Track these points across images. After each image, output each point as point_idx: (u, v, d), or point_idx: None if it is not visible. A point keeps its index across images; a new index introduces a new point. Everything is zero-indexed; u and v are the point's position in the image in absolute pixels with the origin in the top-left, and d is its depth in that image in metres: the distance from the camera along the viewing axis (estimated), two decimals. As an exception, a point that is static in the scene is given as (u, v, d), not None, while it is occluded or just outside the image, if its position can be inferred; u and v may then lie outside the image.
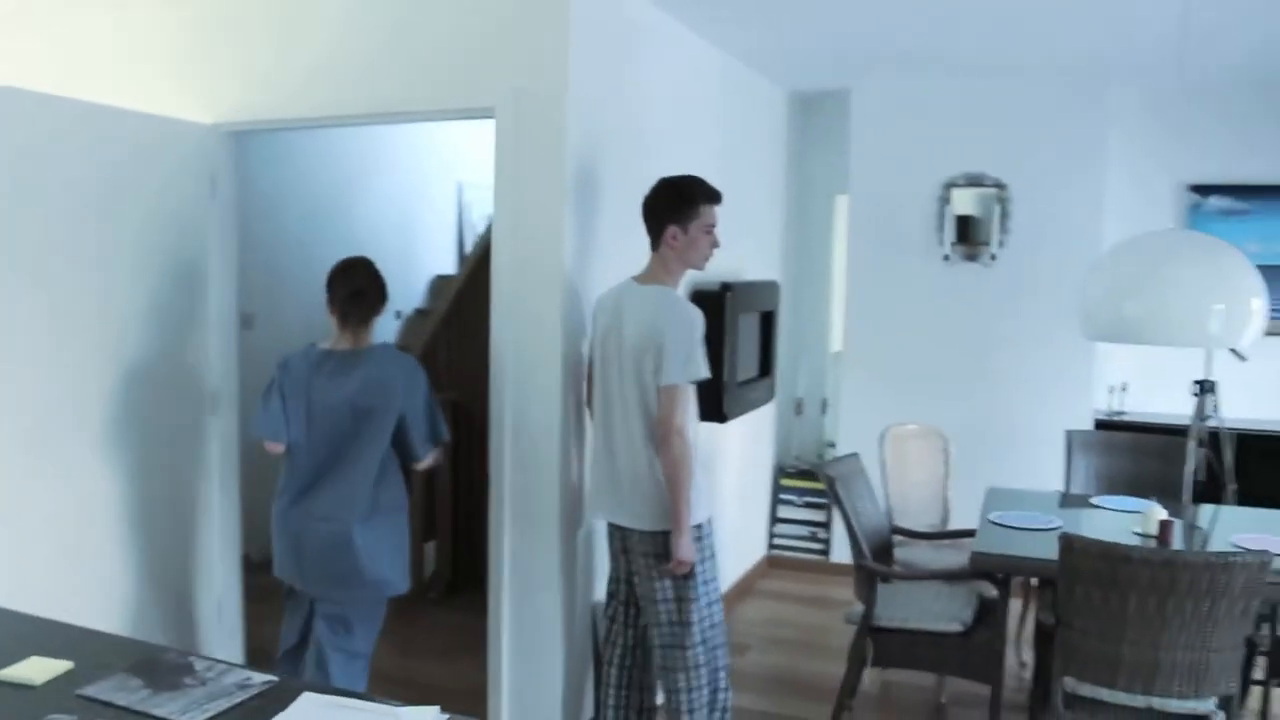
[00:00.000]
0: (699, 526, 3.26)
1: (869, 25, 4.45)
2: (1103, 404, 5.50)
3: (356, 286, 3.37)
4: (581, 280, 3.63)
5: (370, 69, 3.75)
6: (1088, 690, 3.18)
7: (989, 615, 3.73)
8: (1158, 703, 3.11)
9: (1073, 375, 5.32)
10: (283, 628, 3.56)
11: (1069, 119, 5.25)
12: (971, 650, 3.62)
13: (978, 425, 5.33)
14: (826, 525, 5.90)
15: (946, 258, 5.41)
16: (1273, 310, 5.28)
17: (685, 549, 3.17)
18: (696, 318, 3.18)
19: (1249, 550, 3.18)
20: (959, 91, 5.38)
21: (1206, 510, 4.25)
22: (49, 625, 2.14)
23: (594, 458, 3.46)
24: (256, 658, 4.14)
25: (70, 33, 4.19)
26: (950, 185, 5.42)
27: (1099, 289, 3.67)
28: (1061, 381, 5.34)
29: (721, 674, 3.39)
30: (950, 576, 3.89)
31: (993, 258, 5.34)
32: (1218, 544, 3.66)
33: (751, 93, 5.39)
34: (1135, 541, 3.68)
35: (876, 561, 3.86)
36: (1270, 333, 5.23)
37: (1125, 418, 5.42)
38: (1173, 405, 5.47)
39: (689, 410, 3.21)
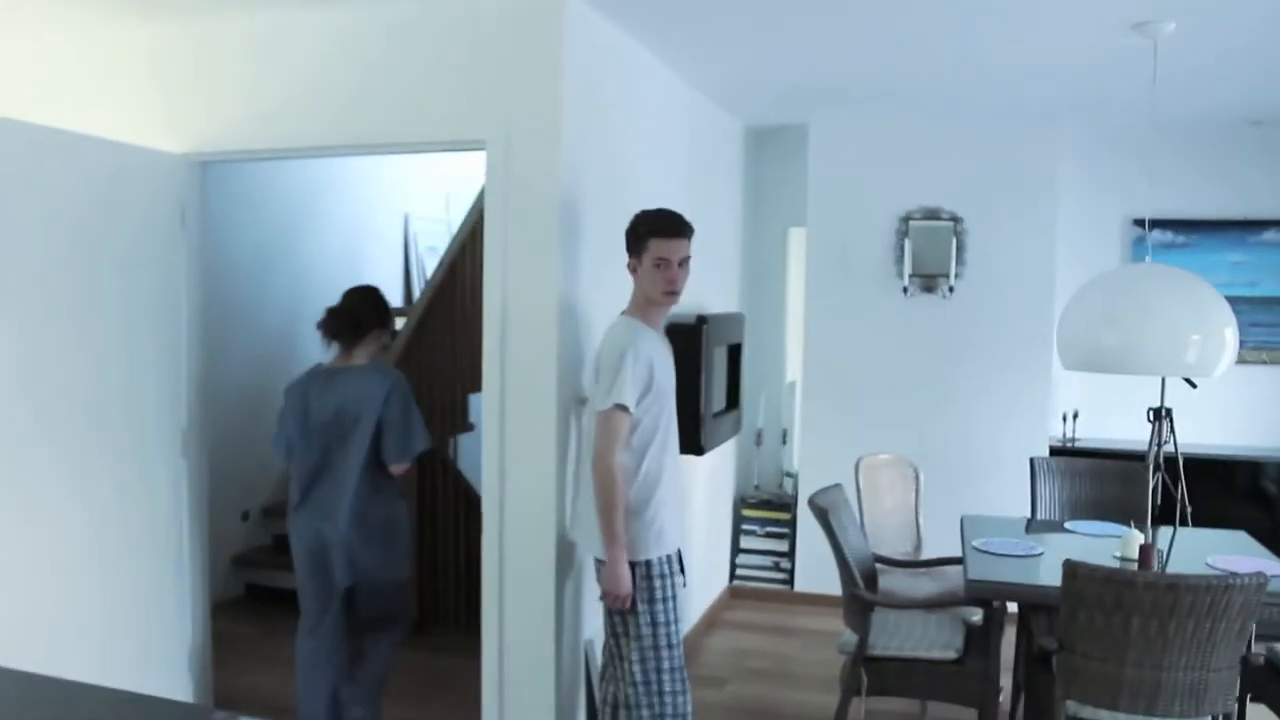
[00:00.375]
0: (649, 563, 3.22)
1: (827, 61, 4.53)
2: (1056, 431, 5.66)
3: (341, 309, 3.73)
4: (572, 314, 3.60)
5: (354, 99, 3.68)
6: (1088, 713, 3.25)
7: (977, 642, 3.79)
8: (1155, 723, 3.20)
9: (1029, 403, 5.47)
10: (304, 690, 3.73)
11: (1022, 154, 5.42)
12: (965, 677, 3.66)
13: (938, 453, 5.43)
14: (789, 554, 5.93)
15: (906, 290, 5.52)
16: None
17: (610, 580, 3.18)
18: (627, 345, 3.16)
19: (1242, 572, 3.29)
20: (915, 126, 5.52)
21: (1164, 533, 4.39)
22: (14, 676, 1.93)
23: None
24: (229, 706, 3.99)
25: (32, 56, 4.02)
26: (907, 218, 5.54)
27: (1078, 321, 3.78)
28: (1019, 410, 5.48)
29: None
30: (945, 604, 3.93)
31: (951, 290, 5.47)
32: (1190, 566, 3.77)
33: (714, 126, 5.44)
34: (1115, 565, 3.80)
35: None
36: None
37: (1078, 444, 5.58)
38: (1122, 431, 5.66)
39: (621, 437, 3.15)
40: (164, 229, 3.82)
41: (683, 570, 3.39)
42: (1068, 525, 4.35)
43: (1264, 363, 5.52)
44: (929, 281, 5.53)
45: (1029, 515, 4.71)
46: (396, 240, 6.94)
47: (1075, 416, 5.65)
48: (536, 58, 3.47)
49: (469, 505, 5.44)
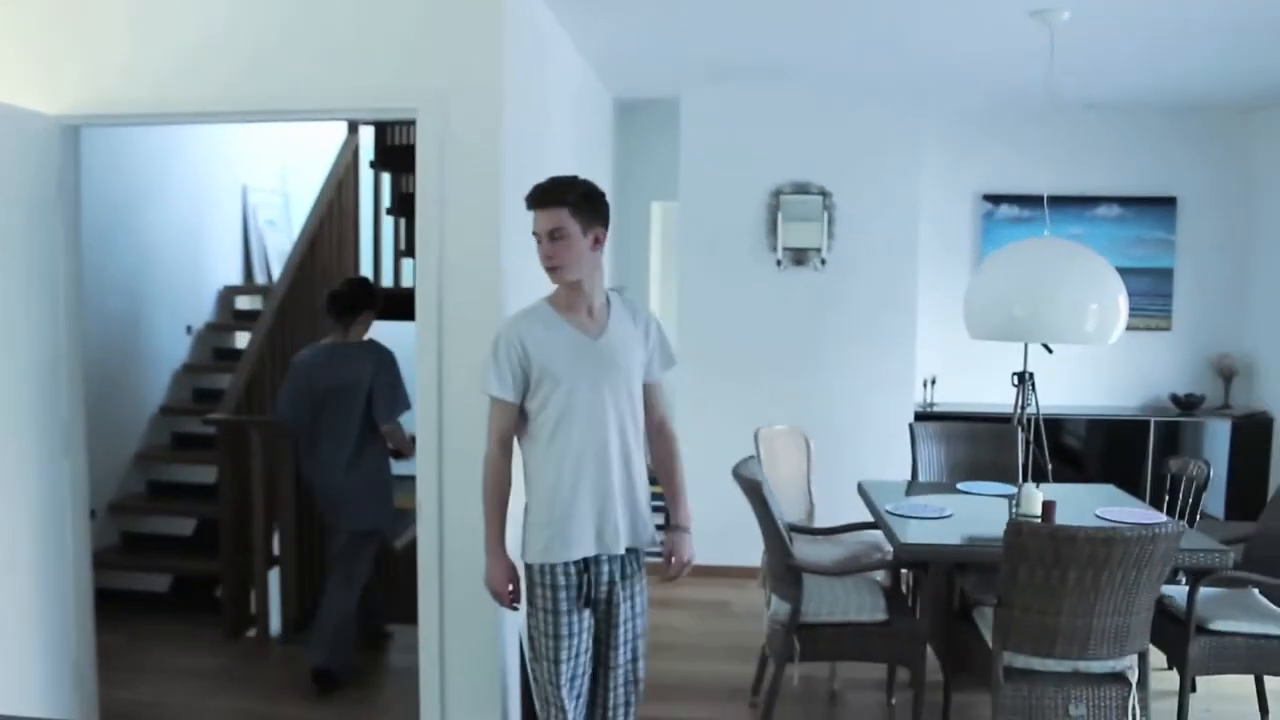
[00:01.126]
0: (528, 567, 2.96)
1: (712, 33, 4.58)
2: (918, 396, 5.96)
3: (334, 293, 4.47)
4: (517, 296, 3.47)
5: (262, 59, 3.38)
6: (1021, 661, 3.46)
7: (895, 603, 3.95)
8: (1082, 665, 3.45)
9: (896, 370, 5.72)
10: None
11: (888, 130, 5.64)
12: (894, 637, 3.81)
13: (812, 421, 5.57)
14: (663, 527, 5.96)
15: (779, 263, 5.65)
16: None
17: (487, 571, 2.97)
18: (499, 332, 2.93)
19: (1145, 522, 3.58)
20: (785, 102, 5.63)
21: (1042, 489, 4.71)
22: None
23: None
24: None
25: None
26: (778, 192, 5.66)
27: (987, 292, 3.99)
28: (886, 377, 5.72)
29: None
30: (875, 567, 4.06)
31: (823, 262, 5.64)
32: (1079, 519, 4.04)
33: (593, 96, 5.37)
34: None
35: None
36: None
37: (937, 408, 5.90)
38: (976, 395, 6.04)
39: (495, 429, 2.92)
40: (36, 200, 3.39)
41: (597, 584, 2.97)
42: (959, 486, 4.58)
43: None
44: (800, 255, 5.68)
45: (909, 478, 4.94)
46: (235, 214, 6.47)
47: (933, 382, 5.96)
48: (476, 15, 3.28)
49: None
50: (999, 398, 5.95)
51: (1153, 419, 5.86)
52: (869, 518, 4.34)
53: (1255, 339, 6.06)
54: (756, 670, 4.33)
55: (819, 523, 4.82)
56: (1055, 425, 5.77)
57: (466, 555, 3.37)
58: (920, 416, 5.77)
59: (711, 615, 5.37)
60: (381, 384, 4.28)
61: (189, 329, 5.91)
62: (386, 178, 5.94)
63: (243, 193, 6.52)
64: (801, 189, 5.66)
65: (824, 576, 4.14)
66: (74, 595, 3.59)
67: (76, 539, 3.59)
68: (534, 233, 2.89)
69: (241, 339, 6.42)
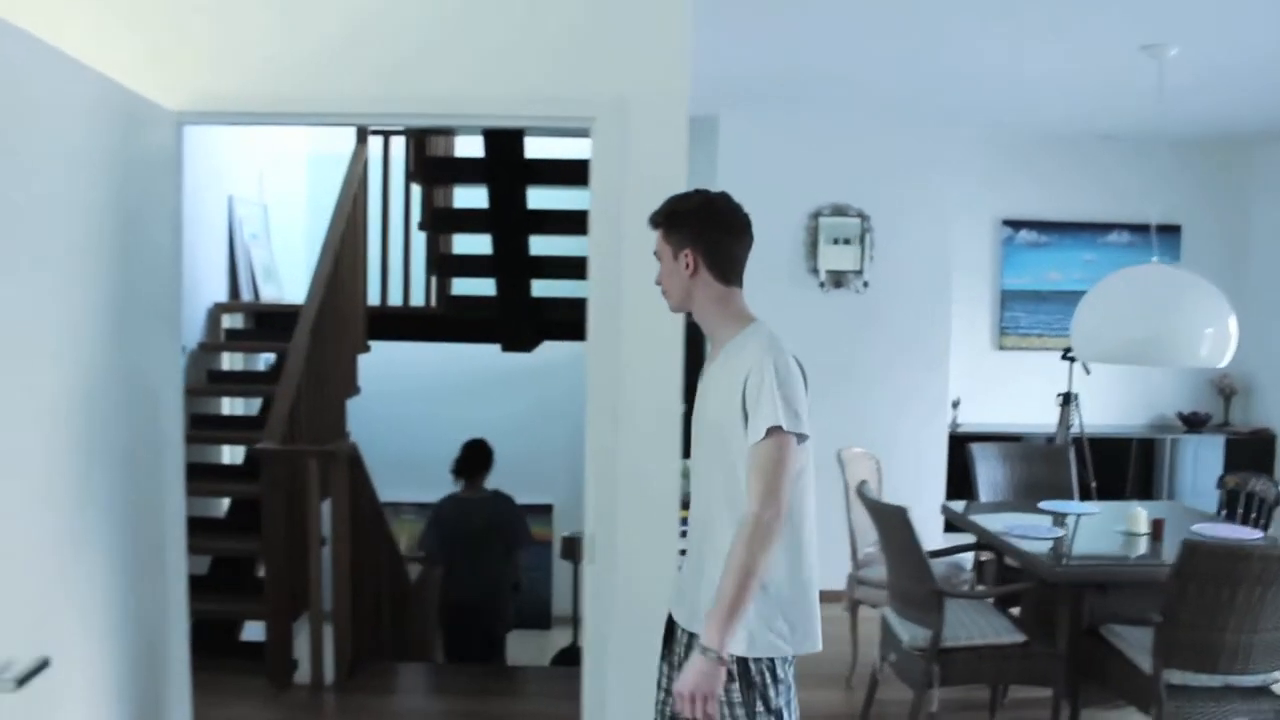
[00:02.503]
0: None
1: (740, 55, 4.55)
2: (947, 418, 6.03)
3: (463, 457, 5.41)
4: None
5: (416, 59, 3.09)
6: (1178, 678, 3.50)
7: (1023, 624, 3.95)
8: (1233, 680, 3.52)
9: (930, 394, 5.78)
10: None
11: (922, 156, 5.72)
12: (1033, 658, 3.80)
13: (847, 443, 5.58)
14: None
15: (822, 285, 5.62)
16: (1063, 330, 6.15)
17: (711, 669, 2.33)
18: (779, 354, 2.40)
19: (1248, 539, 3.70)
20: (821, 124, 5.63)
21: (1100, 506, 4.81)
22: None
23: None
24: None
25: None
26: (817, 214, 5.64)
27: (1100, 316, 4.06)
28: (921, 399, 5.77)
29: None
30: (1022, 590, 4.02)
31: (865, 285, 5.64)
32: (1176, 537, 4.15)
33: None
34: (1122, 539, 4.13)
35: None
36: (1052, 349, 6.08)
37: (962, 429, 5.98)
38: (1001, 416, 6.16)
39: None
40: (156, 206, 3.01)
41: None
42: (1041, 506, 4.63)
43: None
44: (840, 277, 5.67)
45: (960, 499, 4.95)
46: (221, 226, 5.99)
47: (958, 404, 6.04)
48: (658, 8, 3.08)
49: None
50: (1023, 418, 6.10)
51: (1169, 437, 6.11)
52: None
53: (1251, 359, 6.39)
54: (866, 696, 4.25)
55: (864, 546, 4.77)
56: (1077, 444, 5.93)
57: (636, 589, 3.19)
58: (951, 438, 5.84)
59: (766, 642, 5.26)
60: (518, 523, 5.53)
61: (184, 349, 5.43)
62: (414, 190, 5.63)
63: (229, 204, 6.06)
64: (840, 211, 5.66)
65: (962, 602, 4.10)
66: (176, 630, 3.18)
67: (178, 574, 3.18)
68: None
69: (231, 360, 5.97)
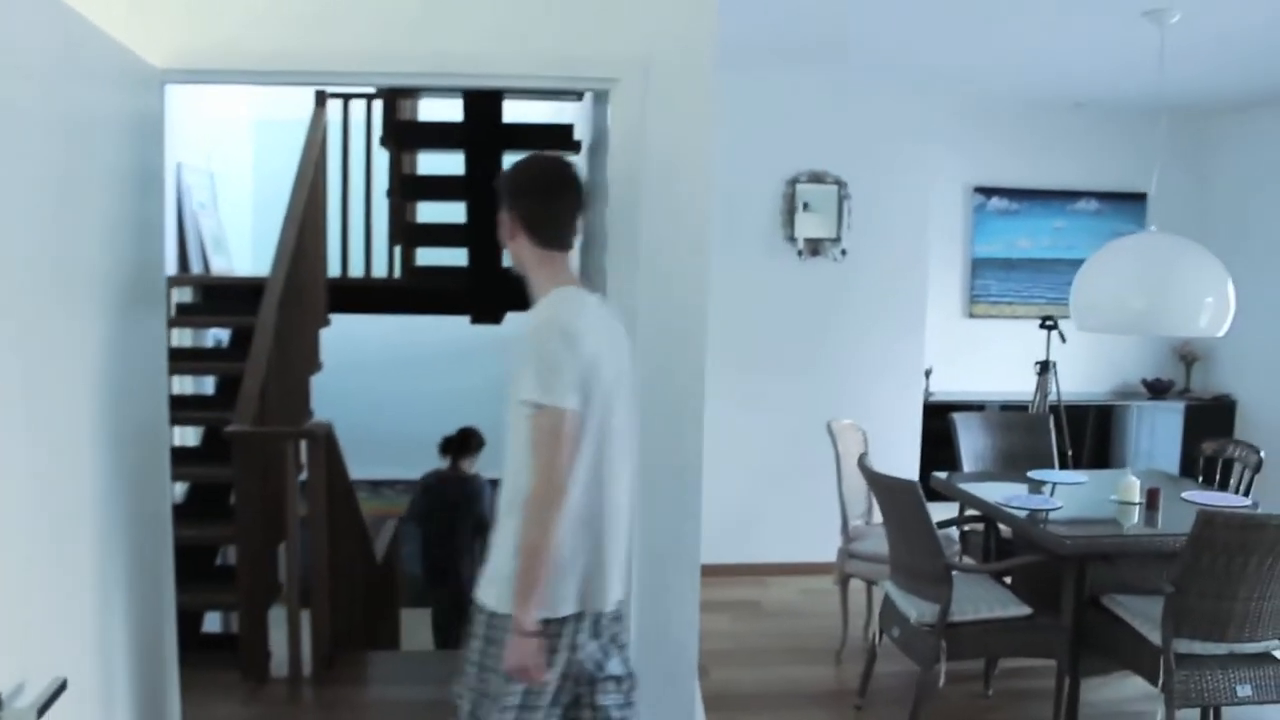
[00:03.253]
0: None
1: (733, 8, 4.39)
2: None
3: (450, 438, 5.88)
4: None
5: (424, 15, 2.90)
6: (1184, 646, 3.51)
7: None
8: (1237, 648, 3.54)
9: (905, 362, 5.74)
10: None
11: (898, 121, 5.64)
12: (1039, 630, 3.79)
13: (822, 412, 5.52)
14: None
15: (800, 254, 5.53)
16: (1033, 297, 6.18)
17: None
18: None
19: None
20: (798, 90, 5.51)
21: (1081, 475, 4.83)
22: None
23: (580, 530, 2.33)
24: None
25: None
26: (794, 181, 5.53)
27: (1100, 286, 4.03)
28: (896, 368, 5.74)
29: None
30: (1032, 563, 3.98)
31: (843, 253, 5.56)
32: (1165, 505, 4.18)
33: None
34: (1115, 508, 4.14)
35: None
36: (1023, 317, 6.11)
37: (934, 398, 5.97)
38: (972, 384, 6.16)
39: None
40: (140, 170, 2.77)
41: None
42: (1030, 475, 4.62)
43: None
44: (817, 245, 5.58)
45: (943, 468, 4.93)
46: (169, 194, 5.64)
47: (929, 373, 6.03)
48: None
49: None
50: (993, 385, 6.12)
51: (1134, 404, 6.19)
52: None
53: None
54: (864, 672, 4.20)
55: (853, 518, 4.73)
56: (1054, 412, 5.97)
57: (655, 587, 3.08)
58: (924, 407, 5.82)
59: (748, 616, 5.20)
60: (489, 507, 5.42)
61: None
62: (374, 157, 5.38)
63: (177, 171, 5.72)
64: (817, 178, 5.56)
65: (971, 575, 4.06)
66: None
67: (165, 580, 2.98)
68: None
69: (180, 336, 5.66)
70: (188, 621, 4.79)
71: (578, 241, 2.55)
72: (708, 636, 4.83)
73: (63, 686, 1.76)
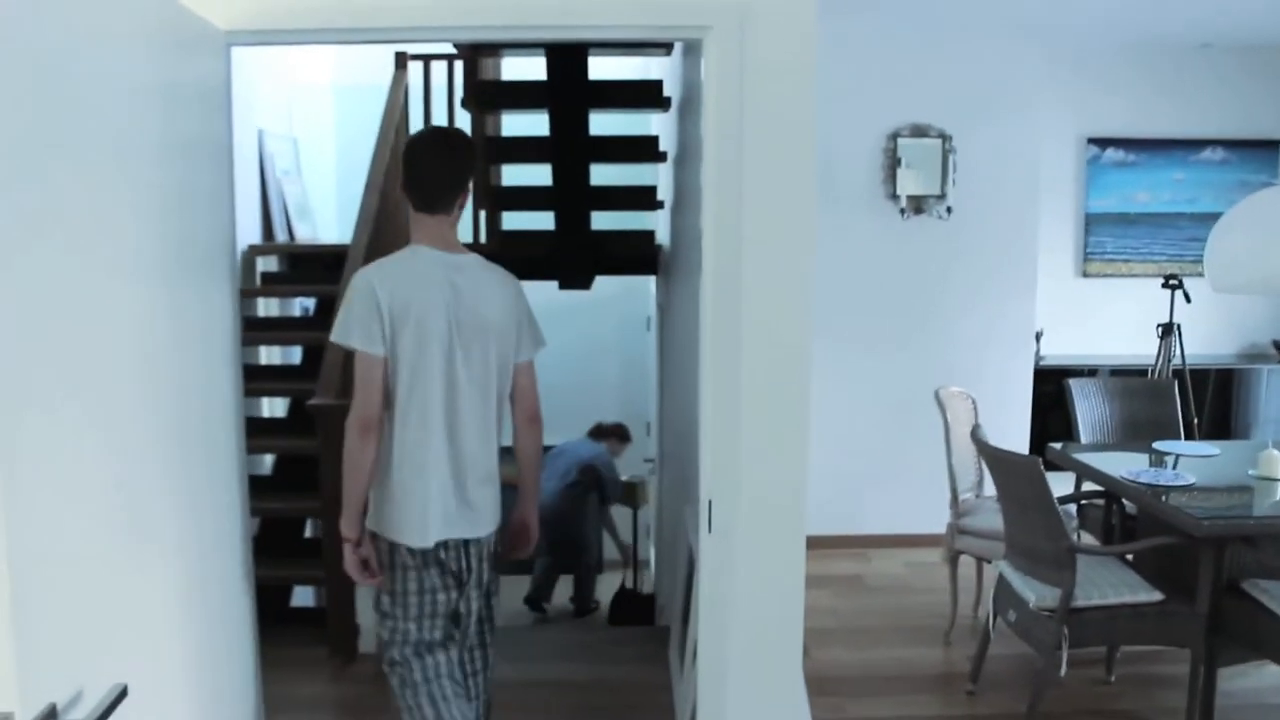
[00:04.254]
0: None
1: None
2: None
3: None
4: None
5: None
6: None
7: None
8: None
9: (1015, 325, 5.42)
10: None
11: (1003, 71, 5.28)
12: (1171, 617, 3.50)
13: (930, 379, 5.25)
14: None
15: (903, 212, 5.23)
16: (1152, 255, 5.79)
17: (526, 533, 2.91)
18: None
19: None
20: (899, 39, 5.19)
21: (1218, 446, 4.49)
22: None
23: (425, 469, 2.61)
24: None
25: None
26: (895, 135, 5.23)
27: (1240, 243, 3.68)
28: (1005, 332, 5.42)
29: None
30: (1164, 544, 3.69)
31: (949, 210, 5.25)
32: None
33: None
34: (1253, 483, 3.81)
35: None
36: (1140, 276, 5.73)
37: (1045, 363, 5.64)
38: (1086, 348, 5.82)
39: None
40: (207, 141, 2.62)
41: None
42: (1156, 447, 4.30)
43: (1201, 275, 5.83)
44: (920, 202, 5.28)
45: (1057, 439, 4.64)
46: (252, 162, 5.59)
47: (1040, 336, 5.69)
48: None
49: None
50: (1109, 349, 5.77)
51: (1264, 368, 5.77)
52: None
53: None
54: (977, 654, 3.96)
55: (963, 491, 4.46)
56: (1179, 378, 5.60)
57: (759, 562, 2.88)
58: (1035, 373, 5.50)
59: (851, 591, 4.98)
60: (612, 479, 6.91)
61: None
62: (457, 119, 5.22)
63: (259, 138, 5.65)
64: (920, 131, 5.24)
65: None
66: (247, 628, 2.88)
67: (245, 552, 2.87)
68: None
69: (266, 306, 5.62)
70: (276, 595, 4.81)
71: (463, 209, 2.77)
72: (809, 613, 4.60)
73: (123, 693, 1.64)
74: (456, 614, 2.76)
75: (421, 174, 2.68)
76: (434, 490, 2.62)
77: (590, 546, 7.00)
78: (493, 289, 2.75)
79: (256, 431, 5.01)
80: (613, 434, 7.10)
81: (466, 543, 2.70)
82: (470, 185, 2.77)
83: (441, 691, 2.72)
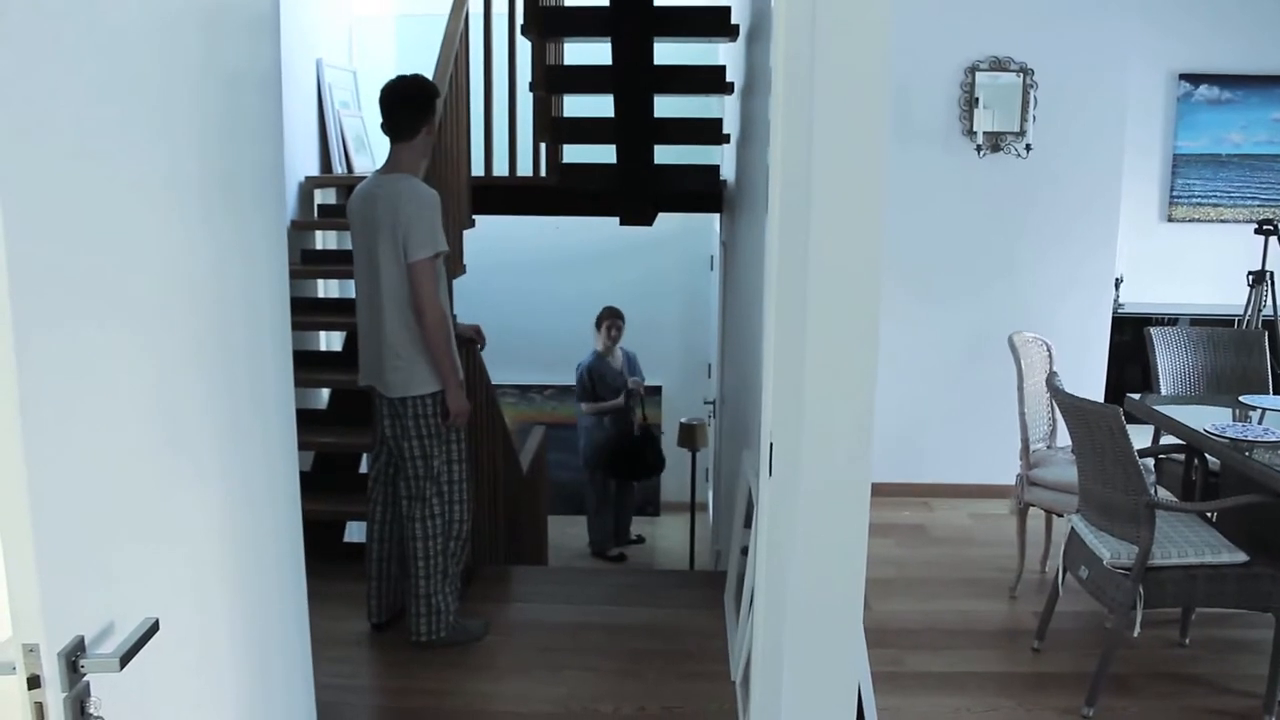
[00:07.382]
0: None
1: None
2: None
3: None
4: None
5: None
6: None
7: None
8: None
9: (1095, 271, 5.19)
10: None
11: (1094, 1, 4.98)
12: (1253, 580, 3.33)
13: (1005, 325, 5.06)
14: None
15: (979, 149, 5.00)
16: (1245, 199, 5.49)
17: (459, 403, 3.56)
18: (435, 198, 3.48)
19: None
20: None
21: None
22: None
23: (364, 339, 3.63)
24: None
25: None
26: (973, 69, 4.98)
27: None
28: (1084, 278, 5.19)
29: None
30: (1246, 504, 3.51)
31: (1027, 148, 5.01)
32: None
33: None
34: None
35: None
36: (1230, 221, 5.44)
37: (1123, 311, 5.41)
38: (1168, 296, 5.56)
39: (440, 283, 3.50)
40: (254, 71, 2.51)
41: None
42: (1243, 399, 4.09)
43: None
44: (997, 139, 5.04)
45: (1136, 390, 4.44)
46: (310, 92, 5.51)
47: (1120, 283, 5.45)
48: None
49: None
50: (1194, 298, 5.51)
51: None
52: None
53: None
54: (1044, 611, 3.83)
55: (1035, 441, 4.29)
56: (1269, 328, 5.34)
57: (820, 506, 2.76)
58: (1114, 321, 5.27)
59: (914, 541, 4.86)
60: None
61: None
62: (518, 49, 5.09)
63: (317, 69, 5.56)
64: (999, 65, 4.99)
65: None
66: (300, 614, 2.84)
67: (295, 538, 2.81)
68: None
69: (324, 238, 5.58)
70: (330, 531, 4.81)
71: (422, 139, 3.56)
72: (870, 563, 4.52)
73: (154, 627, 1.58)
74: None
75: (384, 111, 3.50)
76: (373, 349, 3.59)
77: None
78: (392, 200, 3.40)
79: (314, 365, 5.00)
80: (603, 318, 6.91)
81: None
82: (422, 126, 3.51)
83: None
